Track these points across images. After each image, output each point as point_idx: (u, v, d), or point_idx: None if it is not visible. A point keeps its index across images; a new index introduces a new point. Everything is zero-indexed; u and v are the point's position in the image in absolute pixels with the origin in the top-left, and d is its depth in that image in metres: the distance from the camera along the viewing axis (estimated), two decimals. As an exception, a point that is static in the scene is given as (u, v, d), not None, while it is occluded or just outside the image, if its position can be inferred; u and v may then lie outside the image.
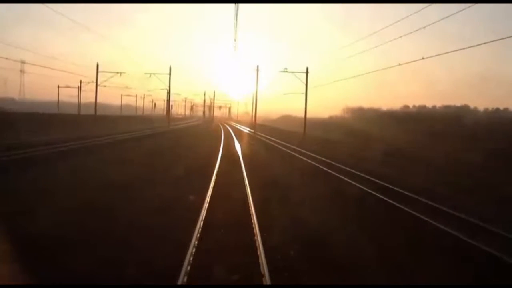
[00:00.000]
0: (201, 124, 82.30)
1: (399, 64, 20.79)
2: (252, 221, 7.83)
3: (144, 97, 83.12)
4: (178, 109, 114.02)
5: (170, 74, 43.14)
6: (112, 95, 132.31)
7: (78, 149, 20.02)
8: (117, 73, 41.16)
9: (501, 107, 63.86)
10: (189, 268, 5.33)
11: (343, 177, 14.61)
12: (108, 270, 5.25)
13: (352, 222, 8.60)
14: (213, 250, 6.20)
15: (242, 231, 7.32)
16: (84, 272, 5.12)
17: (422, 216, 8.90)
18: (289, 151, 25.75)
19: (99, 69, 41.17)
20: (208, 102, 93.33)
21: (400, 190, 11.74)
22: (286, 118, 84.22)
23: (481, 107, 66.44)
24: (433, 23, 17.43)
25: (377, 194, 11.35)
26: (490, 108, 65.08)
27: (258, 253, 6.05)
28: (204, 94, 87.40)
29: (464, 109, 62.25)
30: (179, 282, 4.95)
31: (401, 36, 20.95)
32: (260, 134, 43.87)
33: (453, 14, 15.58)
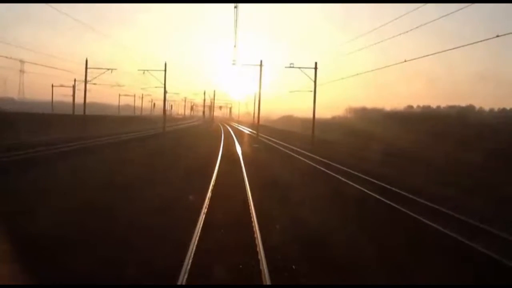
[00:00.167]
0: (201, 124, 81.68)
1: (405, 61, 20.05)
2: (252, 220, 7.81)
3: (142, 97, 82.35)
4: (178, 109, 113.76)
5: (165, 70, 41.81)
6: (112, 95, 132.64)
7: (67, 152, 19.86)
8: (108, 69, 37.09)
9: (508, 107, 62.56)
10: (189, 268, 5.33)
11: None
12: (108, 270, 5.26)
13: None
14: (213, 250, 6.20)
15: (242, 231, 7.31)
16: (84, 272, 5.12)
17: (420, 217, 8.88)
18: (307, 160, 20.55)
19: (89, 65, 36.45)
20: (208, 102, 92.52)
21: (398, 191, 11.72)
22: (288, 119, 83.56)
23: (486, 107, 65.42)
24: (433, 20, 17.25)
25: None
26: (496, 108, 63.95)
27: (259, 254, 6.04)
28: (204, 94, 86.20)
29: (469, 109, 61.28)
30: (179, 282, 4.95)
31: (400, 34, 20.49)
32: (264, 136, 40.82)
33: (452, 12, 15.44)
